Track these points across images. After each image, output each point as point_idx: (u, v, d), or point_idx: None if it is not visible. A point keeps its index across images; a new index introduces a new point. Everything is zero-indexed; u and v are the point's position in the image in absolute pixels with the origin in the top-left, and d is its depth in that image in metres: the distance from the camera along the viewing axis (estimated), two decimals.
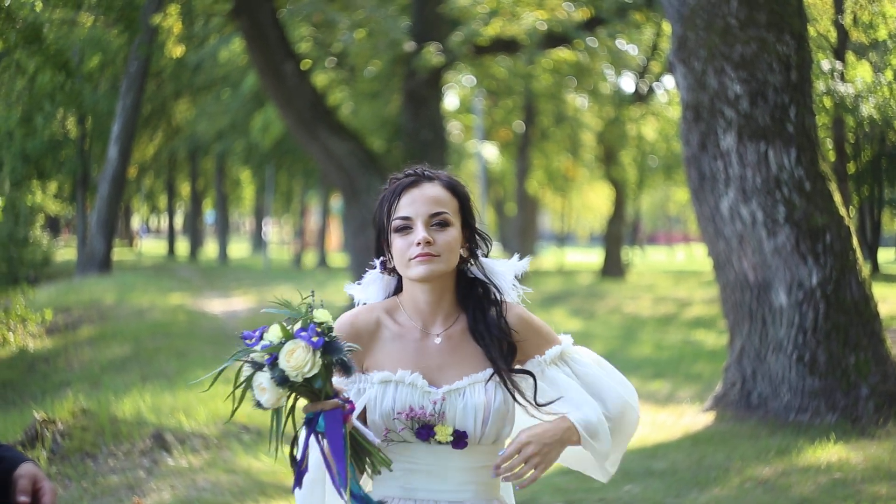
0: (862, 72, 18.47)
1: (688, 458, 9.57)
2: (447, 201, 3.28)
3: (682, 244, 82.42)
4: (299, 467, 3.18)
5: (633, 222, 56.30)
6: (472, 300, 3.33)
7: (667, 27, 21.41)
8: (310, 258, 55.88)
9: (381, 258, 3.42)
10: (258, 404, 3.06)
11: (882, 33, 18.33)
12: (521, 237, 40.54)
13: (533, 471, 3.16)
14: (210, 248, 66.53)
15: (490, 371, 3.27)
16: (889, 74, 18.22)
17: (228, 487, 8.20)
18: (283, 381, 2.97)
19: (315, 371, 2.94)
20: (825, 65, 17.20)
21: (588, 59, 30.24)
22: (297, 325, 3.02)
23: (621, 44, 31.40)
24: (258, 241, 65.10)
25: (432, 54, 22.56)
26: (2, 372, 16.01)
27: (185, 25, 24.65)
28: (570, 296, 30.70)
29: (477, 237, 3.37)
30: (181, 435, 9.48)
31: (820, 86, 16.48)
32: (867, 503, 7.87)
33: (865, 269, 11.42)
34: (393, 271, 3.40)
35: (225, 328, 21.60)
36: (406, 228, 3.25)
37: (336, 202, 51.62)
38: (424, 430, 3.22)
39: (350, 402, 3.07)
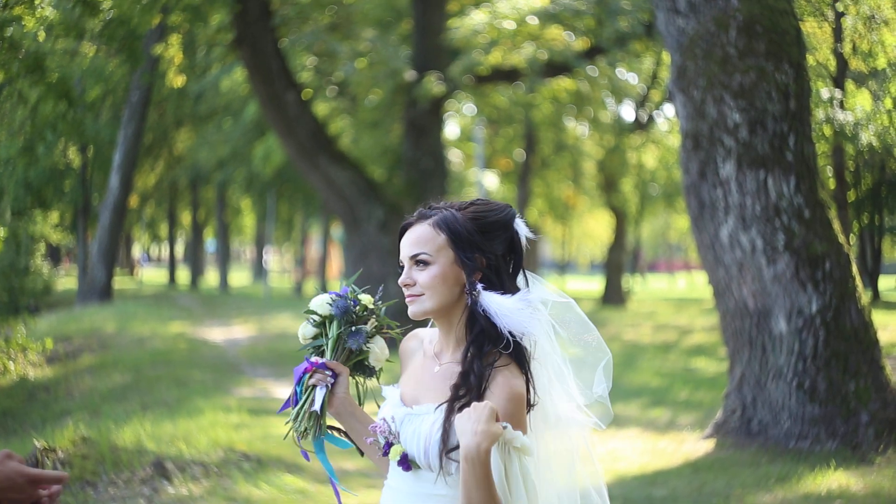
0: (861, 100, 18.52)
1: (688, 486, 9.56)
2: (429, 240, 3.33)
3: (683, 272, 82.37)
4: (288, 399, 3.60)
5: (634, 250, 56.32)
6: (473, 335, 3.28)
7: (666, 56, 21.53)
8: (311, 286, 55.89)
9: None
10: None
11: (881, 62, 18.39)
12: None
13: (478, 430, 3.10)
14: (211, 277, 66.52)
15: (438, 403, 3.25)
16: (888, 102, 18.26)
17: None
18: (306, 311, 3.64)
19: (323, 304, 3.62)
20: (825, 93, 17.24)
21: (588, 88, 30.37)
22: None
23: (621, 73, 31.55)
24: (259, 270, 65.08)
25: (433, 83, 22.64)
26: (2, 401, 15.98)
27: (186, 55, 24.75)
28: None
29: (473, 265, 3.31)
30: (181, 463, 9.48)
31: (819, 114, 16.52)
32: None
33: (865, 296, 11.43)
34: None
35: (226, 357, 21.58)
36: (401, 270, 3.39)
37: (337, 230, 51.67)
38: (386, 446, 3.31)
39: (319, 361, 3.53)
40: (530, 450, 3.12)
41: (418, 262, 3.32)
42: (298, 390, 3.52)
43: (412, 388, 3.38)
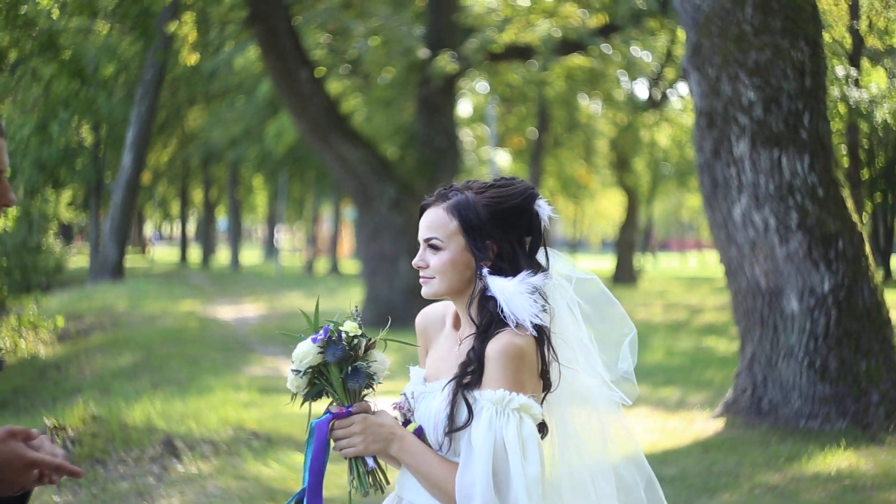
0: (877, 78, 18.44)
1: (698, 465, 9.54)
2: (443, 224, 3.35)
3: (695, 251, 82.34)
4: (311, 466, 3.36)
5: (646, 229, 56.27)
6: (482, 318, 3.31)
7: (681, 34, 21.42)
8: (322, 265, 55.94)
9: None
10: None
11: None
12: None
13: (348, 446, 3.26)
14: (222, 255, 66.65)
15: (447, 381, 3.30)
16: None
17: (238, 494, 8.20)
18: (295, 371, 3.34)
19: (310, 361, 3.31)
20: (840, 71, 17.15)
21: (602, 66, 30.23)
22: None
23: (636, 50, 31.39)
24: (270, 248, 65.16)
25: (446, 62, 22.57)
26: (13, 378, 16.03)
27: (200, 33, 24.72)
28: None
29: (484, 253, 3.32)
30: (191, 441, 9.49)
31: (834, 92, 16.44)
32: None
33: (878, 275, 11.38)
34: None
35: (236, 335, 21.62)
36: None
37: (348, 209, 51.67)
38: (404, 425, 3.37)
39: (342, 410, 3.29)
40: (532, 408, 3.16)
41: (431, 245, 3.36)
42: (317, 447, 3.30)
43: (436, 366, 3.44)
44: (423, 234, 3.38)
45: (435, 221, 3.36)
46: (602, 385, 3.36)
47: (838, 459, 9.38)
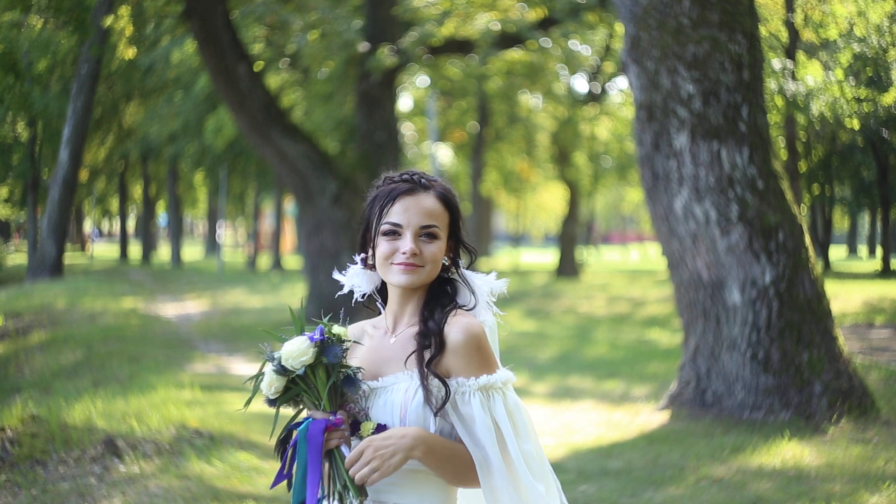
0: (812, 71, 18.63)
1: (643, 457, 9.58)
2: (439, 214, 3.34)
3: (636, 243, 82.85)
4: (281, 470, 3.27)
5: (588, 222, 56.50)
6: (434, 302, 3.35)
7: (619, 27, 21.52)
8: (264, 261, 55.67)
9: (363, 255, 3.45)
10: (268, 400, 3.25)
11: (832, 33, 18.49)
12: (476, 238, 40.56)
13: (372, 473, 3.09)
14: (163, 252, 66.07)
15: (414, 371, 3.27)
16: (839, 73, 18.38)
17: (181, 493, 8.10)
18: (281, 369, 3.17)
19: (306, 360, 3.14)
20: (776, 64, 17.29)
21: (541, 60, 30.29)
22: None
23: (574, 44, 31.48)
24: (212, 244, 64.76)
25: (386, 55, 22.49)
26: None
27: (136, 27, 24.45)
28: (524, 296, 30.73)
29: (461, 248, 3.43)
30: (133, 441, 9.36)
31: (771, 84, 16.57)
32: (822, 500, 7.89)
33: (818, 266, 11.48)
34: (373, 268, 3.42)
35: (178, 332, 21.44)
36: (394, 234, 3.31)
37: (290, 204, 51.45)
38: (354, 425, 3.24)
39: (339, 419, 3.18)
40: (509, 379, 3.28)
41: (428, 234, 3.30)
42: (312, 457, 3.14)
43: (370, 365, 3.33)
44: (419, 221, 3.29)
45: (434, 210, 3.33)
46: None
47: (783, 450, 9.45)
